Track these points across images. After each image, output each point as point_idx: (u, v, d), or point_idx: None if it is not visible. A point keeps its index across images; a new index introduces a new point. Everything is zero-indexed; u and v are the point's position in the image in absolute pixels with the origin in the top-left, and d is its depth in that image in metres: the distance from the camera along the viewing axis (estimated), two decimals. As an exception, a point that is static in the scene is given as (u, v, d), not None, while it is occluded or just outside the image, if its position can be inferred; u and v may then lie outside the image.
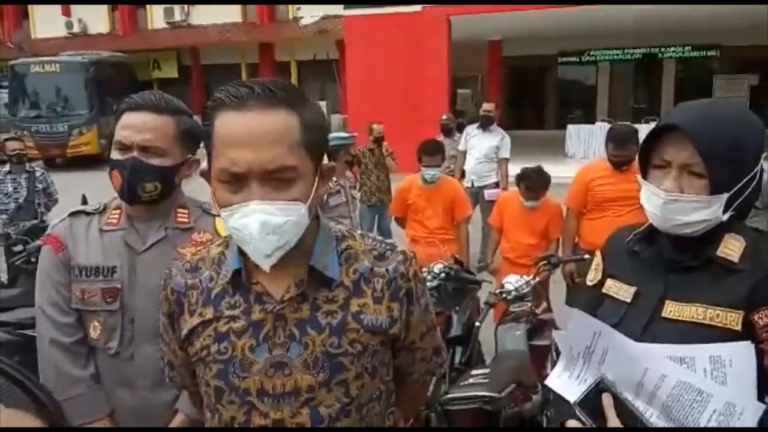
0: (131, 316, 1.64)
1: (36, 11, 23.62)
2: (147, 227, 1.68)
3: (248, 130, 1.04)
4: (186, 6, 21.21)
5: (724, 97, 16.90)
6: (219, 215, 1.75)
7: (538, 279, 3.66)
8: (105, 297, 1.63)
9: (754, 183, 1.28)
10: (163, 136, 1.61)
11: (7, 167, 5.78)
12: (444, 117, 8.14)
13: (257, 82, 1.07)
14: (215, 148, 1.08)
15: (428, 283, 3.63)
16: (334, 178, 4.88)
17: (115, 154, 1.63)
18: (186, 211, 1.73)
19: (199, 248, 1.65)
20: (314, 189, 1.11)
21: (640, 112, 17.02)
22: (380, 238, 1.29)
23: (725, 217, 1.27)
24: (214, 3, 20.24)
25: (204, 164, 1.16)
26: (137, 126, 1.59)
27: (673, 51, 17.16)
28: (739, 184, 1.25)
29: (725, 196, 1.25)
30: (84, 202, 3.99)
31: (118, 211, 1.70)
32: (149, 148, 1.60)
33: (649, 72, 18.51)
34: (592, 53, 17.94)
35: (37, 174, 5.88)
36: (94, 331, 1.65)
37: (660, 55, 17.43)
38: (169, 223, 1.70)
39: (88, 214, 1.72)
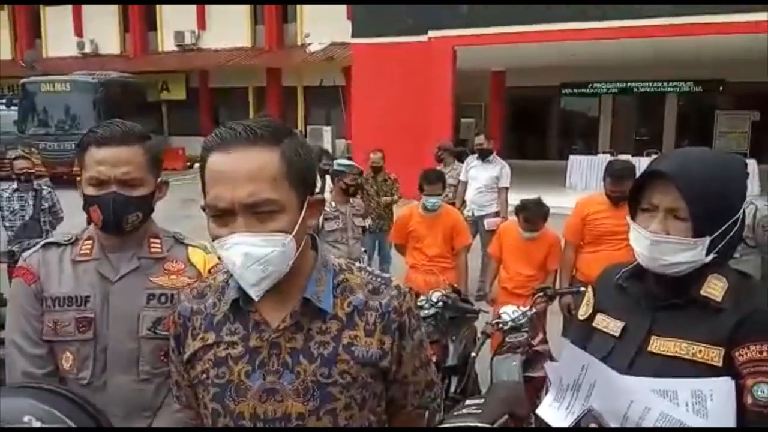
0: (104, 345, 1.65)
1: (49, 31, 24.04)
2: (120, 257, 1.69)
3: (230, 168, 1.12)
4: (196, 30, 21.56)
5: (725, 133, 17.08)
6: (192, 245, 1.77)
7: (534, 310, 3.69)
8: (78, 326, 1.63)
9: (737, 227, 1.35)
10: (137, 166, 1.64)
11: (14, 185, 5.86)
12: (438, 148, 7.98)
13: (243, 124, 1.15)
14: (206, 186, 1.15)
15: (425, 312, 3.66)
16: (333, 204, 4.96)
17: (90, 190, 1.63)
18: (158, 241, 1.75)
19: (171, 277, 1.70)
20: (300, 220, 1.16)
21: (642, 145, 17.12)
22: (377, 272, 1.33)
23: (708, 259, 1.33)
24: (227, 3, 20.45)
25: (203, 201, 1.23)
26: (112, 161, 1.61)
27: (676, 85, 17.32)
28: (722, 228, 1.32)
29: (708, 239, 1.32)
30: (89, 221, 4.04)
31: (90, 242, 1.71)
32: (127, 181, 1.63)
33: (652, 105, 18.67)
34: (594, 86, 18.12)
35: (44, 192, 5.94)
36: (66, 362, 1.65)
37: (662, 89, 17.60)
38: (142, 253, 1.71)
39: (59, 245, 1.72)
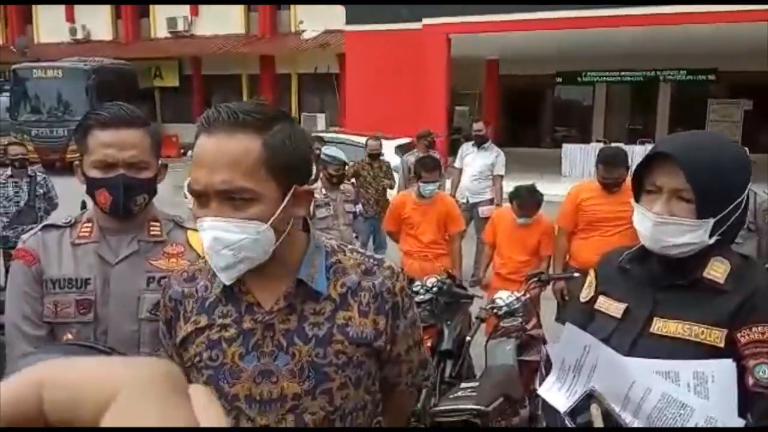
0: (104, 327, 1.65)
1: (40, 17, 23.73)
2: (119, 240, 1.69)
3: (209, 152, 1.11)
4: (189, 16, 21.36)
5: (718, 121, 17.14)
6: (191, 228, 1.75)
7: (528, 295, 3.71)
8: (79, 309, 1.64)
9: (740, 210, 1.35)
10: (143, 149, 1.64)
11: (9, 171, 5.82)
12: (429, 134, 7.75)
13: (230, 107, 1.13)
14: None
15: (421, 297, 3.68)
16: (323, 191, 4.96)
17: (96, 173, 1.62)
18: (158, 224, 1.75)
19: (171, 260, 1.70)
20: (280, 210, 1.14)
21: (635, 134, 17.14)
22: (369, 253, 1.34)
23: (711, 241, 1.33)
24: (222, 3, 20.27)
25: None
26: (119, 143, 1.60)
27: (669, 74, 17.32)
28: (725, 210, 1.32)
29: (711, 221, 1.32)
30: (83, 207, 4.02)
31: (89, 224, 1.70)
32: (135, 164, 1.62)
33: (645, 94, 18.67)
34: (589, 74, 18.10)
35: (38, 179, 5.91)
36: None
37: (656, 78, 17.60)
38: (141, 236, 1.71)
39: (59, 227, 1.72)
